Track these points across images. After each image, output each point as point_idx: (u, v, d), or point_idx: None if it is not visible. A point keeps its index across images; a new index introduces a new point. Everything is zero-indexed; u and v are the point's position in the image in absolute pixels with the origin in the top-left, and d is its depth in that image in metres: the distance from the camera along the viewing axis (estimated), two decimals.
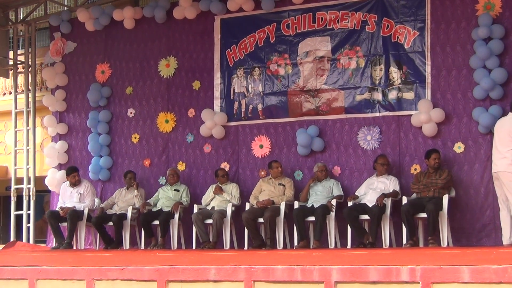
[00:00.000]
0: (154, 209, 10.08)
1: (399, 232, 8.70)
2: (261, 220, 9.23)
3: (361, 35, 9.70)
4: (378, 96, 9.56)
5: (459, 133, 9.11)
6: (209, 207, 9.82)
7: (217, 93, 10.49)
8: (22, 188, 11.46)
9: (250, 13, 10.32)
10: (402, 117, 9.43)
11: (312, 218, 9.08)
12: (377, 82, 9.57)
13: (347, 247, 8.83)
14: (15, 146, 11.77)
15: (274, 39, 10.21)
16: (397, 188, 9.01)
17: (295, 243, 9.06)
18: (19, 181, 11.63)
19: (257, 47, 10.30)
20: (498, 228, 8.57)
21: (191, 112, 10.62)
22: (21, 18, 12.25)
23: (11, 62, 12.03)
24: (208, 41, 10.63)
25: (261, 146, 10.14)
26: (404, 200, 8.73)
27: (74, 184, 10.56)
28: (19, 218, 11.51)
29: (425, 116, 9.09)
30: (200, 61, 10.67)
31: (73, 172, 10.59)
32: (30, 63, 11.77)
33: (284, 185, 9.49)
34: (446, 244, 8.48)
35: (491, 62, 8.85)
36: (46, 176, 11.37)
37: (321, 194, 9.33)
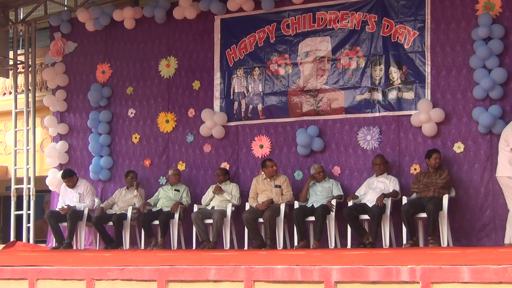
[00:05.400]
0: (154, 209, 10.08)
1: (399, 232, 8.71)
2: (261, 220, 9.23)
3: (361, 35, 9.70)
4: (378, 96, 9.56)
5: (459, 133, 9.11)
6: (209, 207, 9.81)
7: (217, 93, 10.49)
8: (22, 188, 11.45)
9: (250, 13, 10.32)
10: (402, 117, 9.43)
11: (312, 218, 9.08)
12: (377, 82, 9.57)
13: (347, 247, 8.83)
14: (15, 146, 11.76)
15: (274, 39, 10.21)
16: (397, 188, 9.01)
17: (295, 243, 9.07)
18: (19, 181, 11.62)
19: (257, 47, 10.30)
20: (498, 228, 8.61)
21: (191, 112, 10.63)
22: (21, 18, 12.24)
23: (11, 62, 12.03)
24: (208, 41, 10.63)
25: (261, 146, 10.14)
26: (404, 200, 8.74)
27: (71, 186, 10.57)
28: (19, 218, 11.51)
29: (425, 116, 9.09)
30: (200, 61, 10.67)
31: (67, 177, 10.53)
32: (30, 63, 11.77)
33: (280, 186, 9.46)
34: (446, 244, 8.48)
35: (491, 62, 8.85)
36: (46, 176, 11.37)
37: (321, 194, 9.32)
